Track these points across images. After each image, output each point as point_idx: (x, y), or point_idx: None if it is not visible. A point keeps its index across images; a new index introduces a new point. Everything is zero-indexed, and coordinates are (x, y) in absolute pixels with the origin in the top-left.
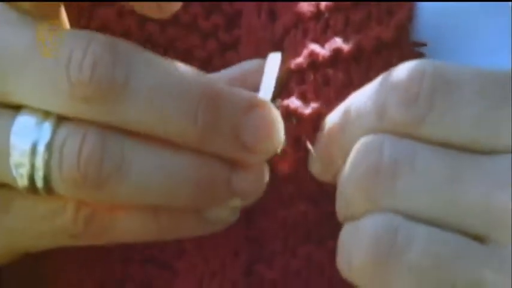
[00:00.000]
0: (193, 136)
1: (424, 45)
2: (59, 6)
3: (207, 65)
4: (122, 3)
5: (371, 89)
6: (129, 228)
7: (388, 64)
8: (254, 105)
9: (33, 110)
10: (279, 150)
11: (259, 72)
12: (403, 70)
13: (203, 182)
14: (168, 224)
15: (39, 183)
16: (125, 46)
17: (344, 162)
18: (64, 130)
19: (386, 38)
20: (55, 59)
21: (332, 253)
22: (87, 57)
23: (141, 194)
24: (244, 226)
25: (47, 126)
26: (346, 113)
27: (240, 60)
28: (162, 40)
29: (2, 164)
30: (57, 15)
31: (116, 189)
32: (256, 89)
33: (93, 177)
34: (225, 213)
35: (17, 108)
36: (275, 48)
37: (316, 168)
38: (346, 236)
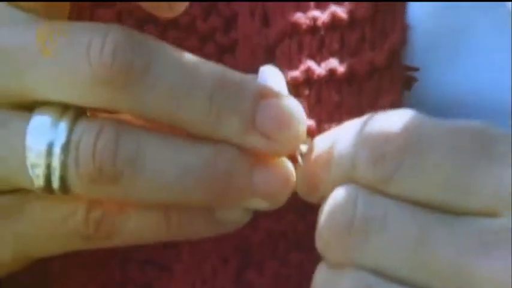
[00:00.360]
0: (207, 122)
1: (416, 69)
2: (66, 8)
3: None
4: (123, 4)
5: (353, 131)
6: (139, 228)
7: (379, 87)
8: (269, 94)
9: (48, 109)
10: (303, 149)
11: None
12: (376, 124)
13: (221, 176)
14: (178, 225)
15: (56, 183)
16: (143, 35)
17: (327, 192)
18: (80, 128)
19: (378, 62)
20: (73, 47)
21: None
22: (107, 44)
23: (156, 189)
24: (232, 234)
25: (63, 126)
26: (332, 148)
27: (237, 64)
28: None
29: (18, 166)
30: (64, 17)
31: (131, 183)
32: None
33: (107, 171)
34: (237, 214)
35: (31, 109)
36: (268, 54)
37: (301, 189)
38: (321, 282)
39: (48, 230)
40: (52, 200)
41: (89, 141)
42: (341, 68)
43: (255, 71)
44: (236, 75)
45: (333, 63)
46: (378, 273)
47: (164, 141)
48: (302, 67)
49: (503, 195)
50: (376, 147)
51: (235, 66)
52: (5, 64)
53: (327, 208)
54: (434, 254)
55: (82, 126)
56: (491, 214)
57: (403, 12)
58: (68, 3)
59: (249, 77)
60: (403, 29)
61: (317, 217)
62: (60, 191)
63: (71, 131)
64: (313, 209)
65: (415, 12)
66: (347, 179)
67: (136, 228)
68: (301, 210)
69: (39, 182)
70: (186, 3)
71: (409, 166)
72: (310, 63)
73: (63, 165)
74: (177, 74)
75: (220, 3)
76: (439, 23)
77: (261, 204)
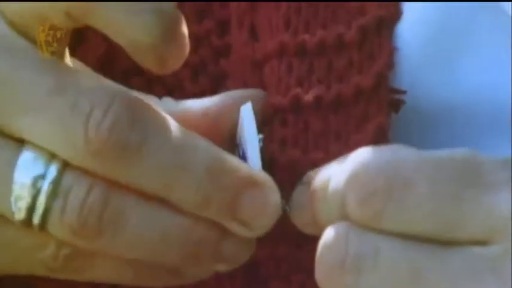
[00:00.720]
0: (192, 203)
1: (403, 92)
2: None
3: (202, 71)
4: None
5: (345, 168)
6: (106, 271)
7: (366, 112)
8: (254, 183)
9: (40, 148)
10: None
11: (237, 106)
12: (363, 161)
13: (193, 246)
14: (144, 274)
15: (36, 219)
16: (144, 109)
17: (324, 225)
18: (70, 175)
19: (365, 86)
20: (74, 112)
21: None
22: (107, 118)
23: (131, 250)
24: None
25: (54, 167)
26: (327, 184)
27: (232, 68)
28: None
29: (1, 195)
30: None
31: (110, 242)
32: (230, 124)
33: (91, 228)
34: (200, 272)
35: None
36: (257, 68)
37: (298, 222)
38: None
39: (16, 255)
40: (25, 229)
41: (78, 194)
42: (328, 95)
43: (244, 80)
44: (227, 161)
45: (321, 89)
46: None
47: (148, 208)
48: (290, 94)
49: (494, 223)
50: (362, 187)
51: (231, 72)
52: (5, 97)
53: (320, 247)
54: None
55: (73, 175)
56: (483, 242)
57: (390, 35)
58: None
59: (239, 163)
60: (391, 52)
61: (314, 246)
62: (38, 228)
63: (61, 175)
64: (310, 239)
65: (415, 14)
66: (340, 216)
67: (104, 271)
68: (297, 240)
69: (20, 215)
70: (181, 61)
71: (397, 202)
72: (298, 90)
73: (48, 206)
74: (170, 155)
75: (214, 7)
76: (438, 24)
77: (220, 268)
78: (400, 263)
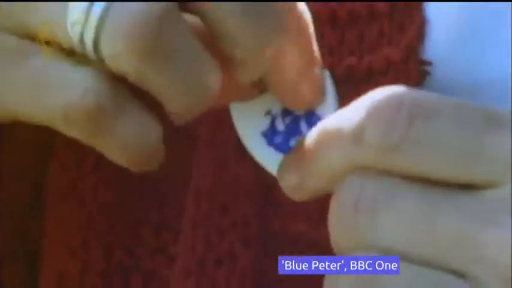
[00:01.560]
0: (247, 39)
1: (430, 63)
2: None
3: None
4: None
5: (348, 113)
6: (127, 135)
7: (395, 83)
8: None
9: None
10: None
11: None
12: (381, 97)
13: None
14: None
15: (92, 22)
16: None
17: (317, 184)
18: None
19: (395, 58)
20: None
21: None
22: None
23: (168, 74)
24: (251, 222)
25: None
26: (323, 134)
27: None
28: None
29: (57, 12)
30: None
31: (152, 65)
32: None
33: (148, 40)
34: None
35: None
36: None
37: (285, 184)
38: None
39: (39, 92)
40: (59, 63)
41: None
42: (360, 66)
43: None
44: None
45: (352, 60)
46: (388, 253)
47: (199, 50)
48: (323, 62)
49: (509, 162)
50: (384, 118)
51: None
52: None
53: (335, 192)
54: (441, 230)
55: None
56: (496, 185)
57: (421, 6)
58: None
59: None
60: (422, 23)
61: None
62: (92, 43)
63: None
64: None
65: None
66: (348, 161)
67: (124, 133)
68: (313, 219)
69: (76, 37)
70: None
71: (416, 135)
72: (330, 60)
73: (105, 12)
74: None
75: None
76: (458, 24)
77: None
78: (416, 207)
